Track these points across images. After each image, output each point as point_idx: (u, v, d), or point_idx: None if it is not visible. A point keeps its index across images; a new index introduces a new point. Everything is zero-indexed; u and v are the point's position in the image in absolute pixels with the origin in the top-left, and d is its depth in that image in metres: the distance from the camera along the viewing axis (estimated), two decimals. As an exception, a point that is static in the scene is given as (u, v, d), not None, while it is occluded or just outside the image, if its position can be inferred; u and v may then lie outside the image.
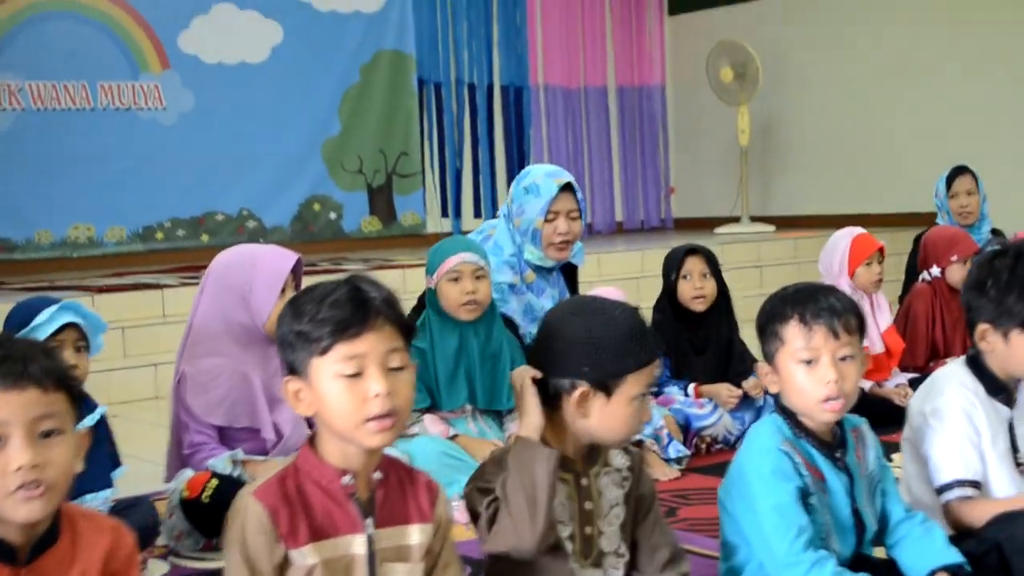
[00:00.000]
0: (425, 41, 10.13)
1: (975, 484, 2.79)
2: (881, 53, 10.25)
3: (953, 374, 2.90)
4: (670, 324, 4.73)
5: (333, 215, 9.65)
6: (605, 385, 2.30)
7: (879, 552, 2.71)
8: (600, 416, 2.32)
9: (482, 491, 2.32)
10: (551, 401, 2.34)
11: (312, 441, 2.12)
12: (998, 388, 2.86)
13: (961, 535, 2.74)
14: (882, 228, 8.43)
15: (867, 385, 4.95)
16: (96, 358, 3.47)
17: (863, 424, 2.73)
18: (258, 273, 3.54)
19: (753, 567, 2.58)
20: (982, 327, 2.83)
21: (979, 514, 2.73)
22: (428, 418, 4.01)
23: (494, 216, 10.50)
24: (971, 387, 2.85)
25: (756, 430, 2.66)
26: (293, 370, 2.07)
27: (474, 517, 2.34)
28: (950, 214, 6.23)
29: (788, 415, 2.61)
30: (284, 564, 2.04)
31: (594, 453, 2.41)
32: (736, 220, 10.52)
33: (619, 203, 11.41)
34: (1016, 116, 9.42)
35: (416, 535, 2.15)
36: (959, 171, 6.42)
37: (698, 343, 4.74)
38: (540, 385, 2.34)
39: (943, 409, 2.83)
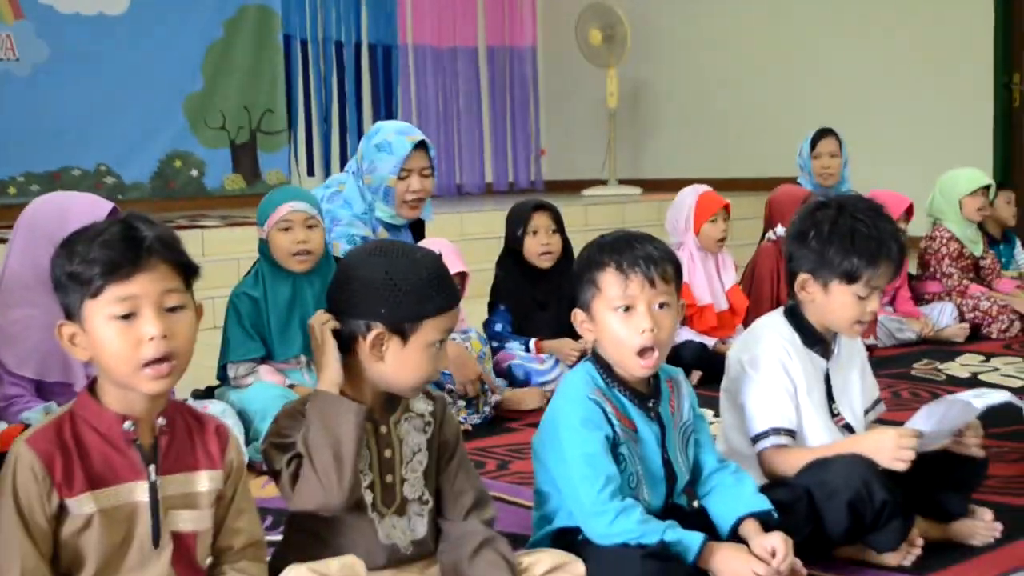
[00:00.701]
0: (290, -2, 9.97)
1: (790, 433, 2.81)
2: (749, 18, 10.34)
3: (771, 324, 2.92)
4: (514, 280, 4.73)
5: (195, 172, 9.47)
6: (401, 329, 2.26)
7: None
8: (395, 361, 2.27)
9: (279, 447, 2.27)
10: (346, 345, 2.29)
11: (92, 386, 2.05)
12: (815, 339, 2.88)
13: (774, 484, 2.77)
14: (748, 192, 8.52)
15: (711, 342, 5.00)
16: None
17: (679, 374, 2.73)
18: (70, 222, 3.43)
19: (563, 515, 2.57)
20: (802, 277, 2.85)
21: (792, 462, 2.75)
22: (263, 369, 3.97)
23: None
24: (788, 337, 2.87)
25: (568, 379, 2.65)
26: (69, 314, 2.00)
27: (273, 474, 2.29)
28: (812, 175, 6.29)
29: (602, 364, 2.61)
30: (61, 514, 1.98)
31: (394, 399, 2.37)
32: (604, 183, 10.55)
33: (489, 164, 11.38)
34: (881, 81, 9.56)
35: (204, 482, 2.09)
36: (824, 133, 6.49)
37: (541, 299, 4.74)
38: (336, 332, 2.30)
39: (760, 358, 2.84)
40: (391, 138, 4.45)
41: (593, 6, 10.38)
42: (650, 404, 2.60)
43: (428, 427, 2.40)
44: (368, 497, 2.31)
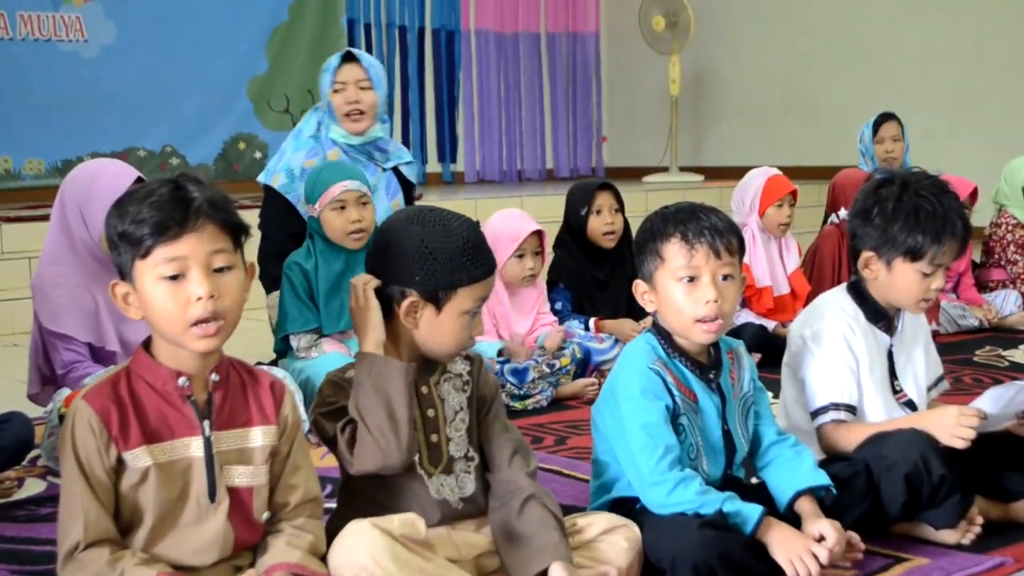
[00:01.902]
0: (355, -19, 10.00)
1: (850, 408, 2.79)
2: (811, 4, 10.25)
3: (834, 300, 2.90)
4: (574, 259, 4.73)
5: (258, 154, 9.51)
6: (435, 297, 2.28)
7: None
8: (428, 328, 2.30)
9: (329, 415, 2.30)
10: (385, 309, 2.32)
11: (147, 344, 2.08)
12: (879, 315, 2.86)
13: (832, 459, 2.75)
14: (809, 180, 8.45)
15: (771, 325, 4.97)
16: (4, 286, 3.50)
17: (740, 346, 2.72)
18: (96, 188, 3.51)
19: (622, 484, 2.57)
20: (866, 255, 2.82)
21: (852, 438, 2.74)
22: (326, 341, 4.00)
23: (423, 159, 10.42)
24: (851, 313, 2.85)
25: (629, 349, 2.65)
26: (122, 273, 2.03)
27: (328, 442, 2.32)
28: (874, 160, 6.23)
29: (663, 334, 2.60)
30: (119, 467, 2.01)
31: (432, 361, 2.39)
32: (665, 170, 10.51)
33: (550, 150, 11.36)
34: (946, 67, 9.45)
35: (259, 437, 2.12)
36: (886, 117, 6.44)
37: (602, 279, 4.73)
38: (377, 294, 2.32)
39: (822, 333, 2.83)
40: (331, 58, 4.61)
41: (657, -8, 10.33)
42: (711, 375, 2.60)
43: (467, 386, 2.43)
44: (415, 457, 2.33)
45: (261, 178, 4.63)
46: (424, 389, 2.37)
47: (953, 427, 2.65)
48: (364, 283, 2.30)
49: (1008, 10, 9.12)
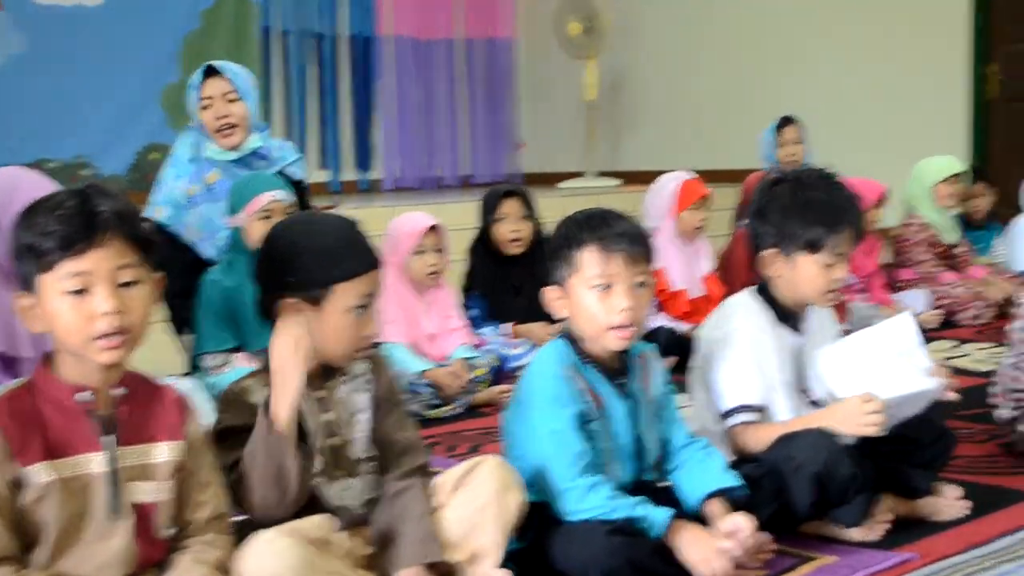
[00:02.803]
0: (268, -11, 9.93)
1: (760, 409, 2.82)
2: (726, 10, 10.35)
3: (742, 302, 2.93)
4: (486, 266, 4.74)
5: (172, 164, 9.44)
6: (313, 296, 2.27)
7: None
8: (314, 329, 2.28)
9: (221, 436, 2.28)
10: (271, 318, 2.32)
11: (48, 358, 2.05)
12: (786, 316, 2.89)
13: (742, 460, 2.78)
14: (725, 184, 8.52)
15: (685, 328, 5.01)
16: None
17: (650, 350, 2.74)
18: (18, 198, 3.43)
19: (532, 491, 2.57)
20: (767, 253, 2.86)
21: (762, 438, 2.76)
22: (239, 356, 3.95)
23: (338, 168, 10.36)
24: (759, 314, 2.88)
25: (540, 355, 2.66)
26: (26, 284, 1.99)
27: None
28: (777, 163, 6.31)
29: (573, 340, 2.61)
30: (20, 483, 1.97)
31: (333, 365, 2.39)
32: (583, 175, 10.54)
33: (467, 157, 11.35)
34: (856, 71, 9.58)
35: (164, 453, 2.10)
36: (787, 120, 6.55)
37: (515, 284, 4.74)
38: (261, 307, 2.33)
39: (731, 335, 2.85)
40: (194, 74, 4.48)
41: (572, -2, 10.37)
42: (621, 380, 2.61)
43: (369, 384, 2.41)
44: (317, 463, 2.31)
45: (146, 212, 4.38)
46: (322, 392, 2.36)
47: (860, 416, 2.69)
48: (296, 338, 2.25)
49: (914, 15, 9.28)
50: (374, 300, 2.33)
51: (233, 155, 4.39)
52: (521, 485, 2.37)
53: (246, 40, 9.75)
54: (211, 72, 4.41)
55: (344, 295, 2.28)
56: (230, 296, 3.95)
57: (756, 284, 2.94)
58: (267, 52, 9.91)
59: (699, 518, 2.55)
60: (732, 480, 2.59)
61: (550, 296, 2.63)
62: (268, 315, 2.33)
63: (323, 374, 2.37)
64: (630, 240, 2.53)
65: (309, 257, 2.27)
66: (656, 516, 2.44)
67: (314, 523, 2.18)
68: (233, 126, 4.37)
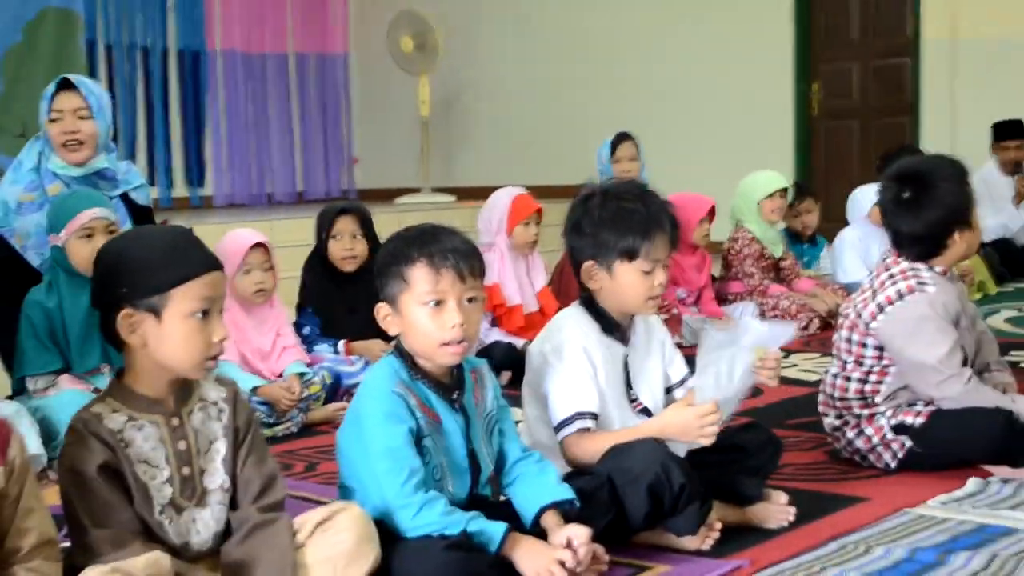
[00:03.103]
0: (94, 1, 9.69)
1: (594, 416, 2.84)
2: (558, 27, 10.47)
3: (569, 315, 2.97)
4: (321, 283, 4.70)
5: (-7, 180, 9.15)
6: (150, 305, 2.22)
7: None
8: (158, 341, 2.23)
9: (69, 476, 2.21)
10: (114, 338, 2.26)
11: None
12: (612, 326, 2.93)
13: (577, 472, 2.80)
14: (556, 199, 8.59)
15: (520, 343, 5.04)
16: None
17: (483, 365, 2.75)
18: None
19: (368, 509, 2.55)
20: (586, 266, 2.90)
21: (596, 447, 2.77)
22: (64, 379, 3.85)
23: (169, 184, 10.17)
24: (587, 326, 2.91)
25: (372, 373, 2.65)
26: None
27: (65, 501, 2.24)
28: (612, 179, 6.40)
29: (406, 357, 2.60)
30: None
31: (187, 389, 2.34)
32: (418, 191, 10.55)
33: (300, 173, 11.26)
34: (683, 89, 9.80)
35: (-18, 479, 2.02)
36: (623, 137, 6.65)
37: (350, 302, 4.71)
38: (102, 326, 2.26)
39: (562, 346, 2.88)
40: (49, 86, 4.38)
41: (405, 14, 10.37)
42: (454, 396, 2.61)
43: (222, 414, 2.37)
44: (167, 492, 2.27)
45: None
46: (175, 421, 2.30)
47: (697, 428, 2.74)
48: None
49: (742, 36, 9.52)
50: (217, 304, 2.27)
51: (78, 172, 4.29)
52: (377, 540, 2.35)
53: (70, 54, 9.51)
54: (66, 85, 4.31)
55: (182, 300, 2.22)
56: (52, 317, 3.85)
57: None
58: (93, 66, 9.67)
59: (537, 531, 2.56)
60: (566, 492, 2.61)
61: (382, 313, 2.62)
62: (109, 335, 2.26)
63: (177, 398, 2.31)
64: (459, 256, 2.53)
65: (141, 264, 2.22)
66: (492, 530, 2.44)
67: (148, 559, 2.11)
68: (80, 143, 4.29)
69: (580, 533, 2.48)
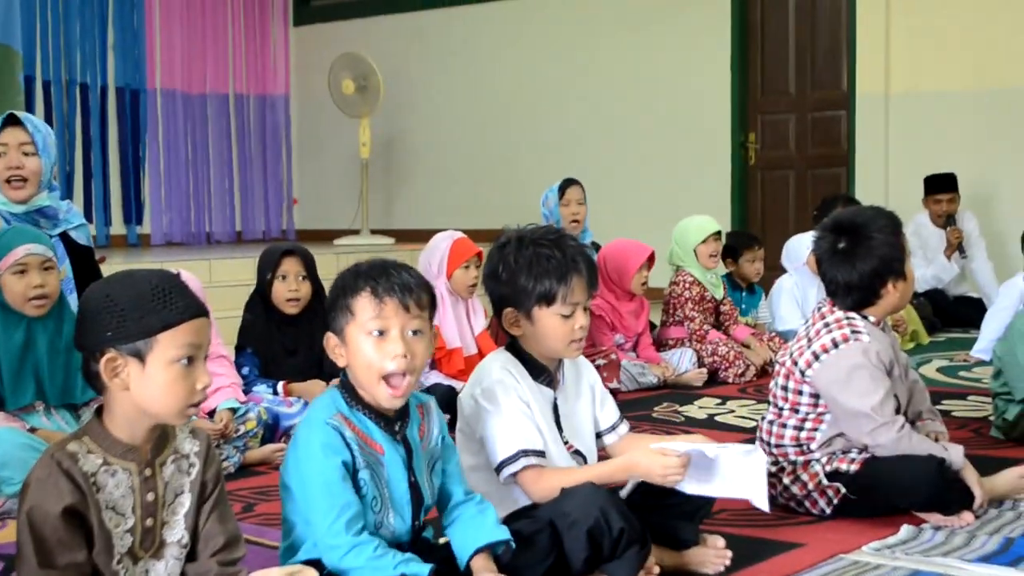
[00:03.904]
0: (33, 37, 9.64)
1: (540, 453, 2.85)
2: (500, 73, 10.55)
3: (496, 359, 2.98)
4: (262, 323, 4.67)
5: (-74, 216, 9.04)
6: (135, 349, 2.20)
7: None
8: (140, 386, 2.21)
9: (31, 521, 2.17)
10: (96, 383, 2.24)
11: None
12: (539, 370, 2.95)
13: (517, 515, 2.81)
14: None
15: (460, 386, 5.03)
16: None
17: (431, 401, 2.76)
18: None
19: (309, 545, 2.55)
20: (506, 312, 2.93)
21: (553, 485, 2.78)
22: (0, 415, 3.79)
23: (106, 222, 10.07)
24: (515, 370, 2.92)
25: (312, 405, 2.66)
26: None
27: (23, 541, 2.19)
28: (559, 222, 6.44)
29: (348, 388, 2.60)
30: None
31: (163, 438, 2.31)
32: (357, 232, 10.54)
33: (239, 213, 11.22)
34: (623, 137, 9.90)
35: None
36: (571, 182, 6.70)
37: (290, 345, 4.69)
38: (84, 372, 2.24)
39: (493, 388, 2.88)
40: None
41: (346, 56, 10.41)
42: (396, 427, 2.61)
43: (192, 468, 2.35)
44: (127, 541, 2.24)
45: None
46: (148, 471, 2.28)
47: (663, 470, 2.79)
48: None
49: (686, 81, 9.64)
50: (202, 351, 2.25)
51: (18, 208, 4.26)
52: None
53: (8, 89, 9.40)
54: (11, 121, 4.27)
55: (168, 345, 2.20)
56: (-15, 353, 3.79)
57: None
58: (31, 102, 9.59)
59: (470, 574, 2.57)
60: (502, 534, 2.61)
61: (331, 344, 2.62)
62: (91, 378, 2.23)
63: (153, 446, 2.29)
64: (404, 288, 2.54)
65: (127, 308, 2.19)
66: (418, 571, 2.43)
67: None
68: (24, 179, 4.27)
69: None
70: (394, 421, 2.61)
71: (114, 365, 2.20)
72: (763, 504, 2.88)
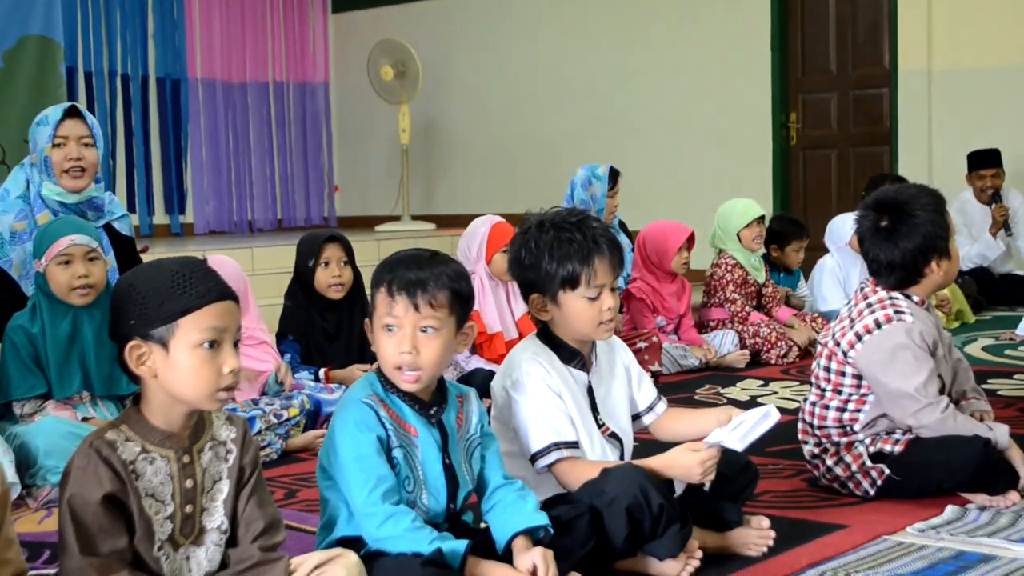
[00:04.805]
0: (75, 28, 9.71)
1: (574, 445, 2.85)
2: (538, 57, 10.52)
3: (526, 347, 2.97)
4: (303, 310, 4.70)
5: (-28, 207, 9.13)
6: (158, 336, 2.20)
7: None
8: (167, 373, 2.21)
9: (73, 508, 2.18)
10: (129, 374, 2.25)
11: None
12: (571, 355, 2.94)
13: (556, 500, 2.80)
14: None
15: (501, 370, 5.04)
16: None
17: (471, 393, 2.77)
18: None
19: (343, 521, 2.58)
20: (533, 298, 2.92)
21: (582, 474, 2.78)
22: (51, 405, 3.86)
23: (149, 212, 10.14)
24: (545, 357, 2.91)
25: (353, 386, 2.70)
26: None
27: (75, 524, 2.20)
28: (601, 212, 6.41)
29: (381, 374, 2.63)
30: None
31: (200, 426, 2.32)
32: (398, 219, 10.56)
33: (280, 201, 11.26)
34: (664, 118, 9.85)
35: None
36: (618, 173, 6.63)
37: (331, 330, 4.71)
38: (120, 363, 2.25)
39: (522, 380, 2.88)
40: (48, 111, 4.44)
41: (385, 42, 10.41)
42: (431, 411, 2.63)
43: (229, 455, 2.35)
44: (168, 527, 2.25)
45: None
46: (186, 458, 2.28)
47: (700, 470, 2.78)
48: None
49: (725, 63, 9.58)
50: (227, 335, 2.23)
51: (72, 198, 4.33)
52: None
53: (50, 81, 9.48)
54: (71, 113, 4.36)
55: (190, 329, 2.19)
56: (35, 341, 3.85)
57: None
58: (73, 93, 9.67)
59: (508, 558, 2.56)
60: (540, 519, 2.61)
61: (367, 330, 2.65)
62: (124, 368, 2.25)
63: (190, 434, 2.30)
64: (417, 285, 2.55)
65: (147, 296, 2.20)
66: (454, 547, 2.45)
67: None
68: (83, 170, 4.34)
69: (541, 561, 2.50)
70: (429, 405, 2.63)
71: (139, 353, 2.21)
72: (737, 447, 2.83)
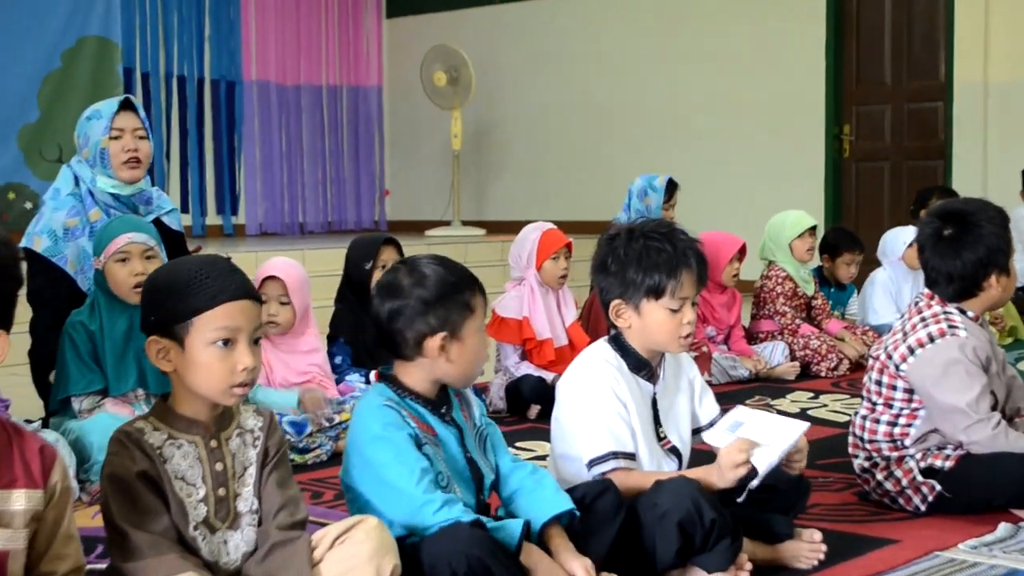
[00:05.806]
0: (132, 30, 9.83)
1: (629, 456, 2.85)
2: (590, 65, 10.53)
3: (597, 352, 2.97)
4: (354, 313, 4.71)
5: (29, 204, 9.23)
6: (175, 333, 2.26)
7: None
8: (185, 368, 2.27)
9: (113, 482, 2.23)
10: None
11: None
12: (640, 365, 2.94)
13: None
14: (586, 234, 8.64)
15: (551, 376, 5.05)
16: None
17: (465, 389, 2.78)
18: None
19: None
20: (614, 304, 2.91)
21: (634, 485, 2.78)
22: (110, 402, 3.89)
23: (202, 212, 10.23)
24: (614, 363, 2.92)
25: (361, 400, 2.71)
26: None
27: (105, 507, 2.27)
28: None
29: (392, 381, 2.66)
30: None
31: (226, 415, 2.37)
32: (448, 224, 10.60)
33: (331, 203, 11.33)
34: (717, 129, 9.83)
35: (21, 500, 2.05)
36: (675, 184, 6.62)
37: (382, 333, 4.72)
38: None
39: (589, 385, 2.89)
40: (100, 105, 4.45)
41: (438, 48, 10.46)
42: (443, 410, 2.66)
43: (257, 442, 2.40)
44: (202, 510, 2.29)
45: (23, 242, 4.34)
46: (214, 443, 2.33)
47: (728, 464, 2.77)
48: None
49: (780, 75, 9.55)
50: (241, 334, 2.27)
51: (126, 191, 4.38)
52: (395, 550, 2.36)
53: (107, 81, 9.62)
54: (125, 106, 4.41)
55: (204, 327, 2.25)
56: (94, 337, 3.89)
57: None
58: (129, 94, 9.74)
59: (542, 544, 2.58)
60: (565, 503, 2.62)
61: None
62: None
63: (217, 422, 2.34)
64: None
65: (166, 293, 2.27)
66: (511, 527, 2.49)
67: None
68: (139, 161, 4.39)
69: (581, 572, 2.52)
70: (440, 405, 2.66)
71: (158, 347, 2.27)
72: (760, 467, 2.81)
